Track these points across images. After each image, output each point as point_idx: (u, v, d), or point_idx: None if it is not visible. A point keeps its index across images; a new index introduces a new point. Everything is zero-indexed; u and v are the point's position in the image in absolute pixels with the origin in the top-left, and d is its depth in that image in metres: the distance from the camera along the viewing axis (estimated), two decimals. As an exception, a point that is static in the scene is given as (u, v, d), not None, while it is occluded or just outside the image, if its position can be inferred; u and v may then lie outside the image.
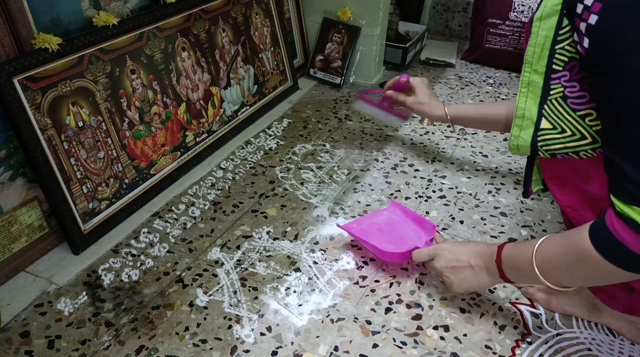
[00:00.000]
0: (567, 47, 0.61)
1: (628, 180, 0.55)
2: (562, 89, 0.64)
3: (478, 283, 0.77)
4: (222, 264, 0.93)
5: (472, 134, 1.37)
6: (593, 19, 0.54)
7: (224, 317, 0.83)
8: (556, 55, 0.63)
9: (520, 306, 0.85)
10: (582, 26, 0.56)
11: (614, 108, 0.56)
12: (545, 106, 0.66)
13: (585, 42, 0.56)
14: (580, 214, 0.69)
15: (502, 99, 1.58)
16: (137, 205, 1.07)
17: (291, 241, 0.99)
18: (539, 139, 0.68)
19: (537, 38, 0.64)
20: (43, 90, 0.88)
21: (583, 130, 0.63)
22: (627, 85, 0.53)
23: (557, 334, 0.81)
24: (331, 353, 0.77)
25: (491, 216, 1.07)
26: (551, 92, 0.65)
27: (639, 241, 0.54)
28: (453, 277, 0.78)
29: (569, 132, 0.65)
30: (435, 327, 0.81)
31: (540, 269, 0.66)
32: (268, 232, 1.01)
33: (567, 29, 0.60)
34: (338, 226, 0.96)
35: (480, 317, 0.83)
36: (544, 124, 0.67)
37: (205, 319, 0.83)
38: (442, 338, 0.80)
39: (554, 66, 0.64)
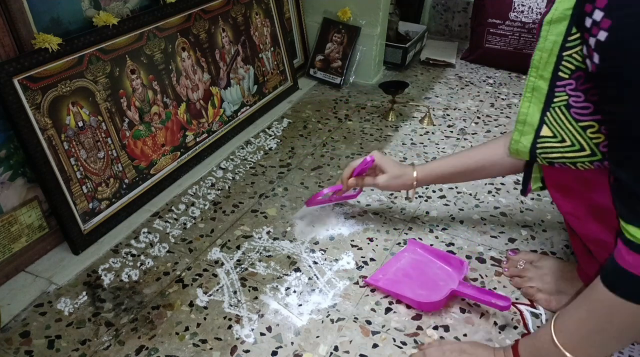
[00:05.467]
0: (575, 56, 0.58)
1: None
2: (566, 97, 0.62)
3: None
4: (222, 264, 0.93)
5: (472, 134, 1.37)
6: (602, 35, 0.51)
7: (224, 317, 0.83)
8: (563, 62, 0.60)
9: (520, 306, 0.85)
10: (592, 41, 0.53)
11: (628, 128, 0.53)
12: (548, 113, 0.64)
13: (596, 58, 0.53)
14: (582, 223, 0.68)
15: (502, 99, 1.58)
16: (137, 205, 1.07)
17: (291, 241, 0.99)
18: (538, 146, 0.66)
19: (545, 42, 0.61)
20: (43, 90, 0.88)
21: (583, 142, 0.62)
22: None
23: (557, 334, 0.81)
24: (331, 353, 0.77)
25: (491, 216, 1.07)
26: (555, 100, 0.63)
27: None
28: None
29: (568, 142, 0.63)
30: (435, 327, 0.81)
31: (568, 348, 0.61)
32: (268, 232, 1.01)
33: (576, 36, 0.57)
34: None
35: (480, 317, 0.83)
36: (545, 131, 0.65)
37: (205, 319, 0.83)
38: (442, 338, 0.80)
39: (560, 73, 0.61)
